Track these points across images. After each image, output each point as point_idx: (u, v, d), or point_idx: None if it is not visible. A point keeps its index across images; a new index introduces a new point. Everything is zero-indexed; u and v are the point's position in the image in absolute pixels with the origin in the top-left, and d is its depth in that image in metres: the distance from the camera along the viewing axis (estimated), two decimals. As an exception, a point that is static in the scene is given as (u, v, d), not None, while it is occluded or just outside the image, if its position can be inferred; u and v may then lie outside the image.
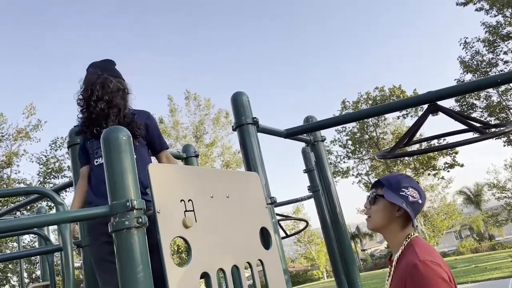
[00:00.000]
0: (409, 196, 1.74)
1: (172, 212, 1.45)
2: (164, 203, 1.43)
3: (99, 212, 1.32)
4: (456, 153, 29.25)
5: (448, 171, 30.59)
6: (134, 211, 1.29)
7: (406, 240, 1.74)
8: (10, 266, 19.95)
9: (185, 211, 1.50)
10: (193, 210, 1.53)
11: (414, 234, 1.77)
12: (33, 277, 19.53)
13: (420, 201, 1.77)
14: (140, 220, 1.29)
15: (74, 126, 2.56)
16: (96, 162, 2.37)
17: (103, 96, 2.36)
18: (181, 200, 1.51)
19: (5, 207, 16.65)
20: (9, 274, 20.65)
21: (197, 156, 3.45)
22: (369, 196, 1.89)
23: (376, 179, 1.92)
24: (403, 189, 1.76)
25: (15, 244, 18.45)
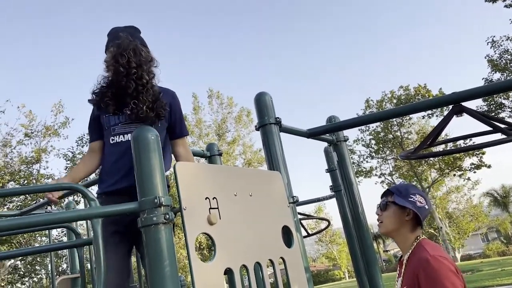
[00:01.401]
0: (417, 201, 1.94)
1: (197, 209, 1.49)
2: (190, 200, 1.48)
3: (128, 208, 1.38)
4: (483, 153, 28.52)
5: (475, 172, 29.83)
6: (162, 207, 1.35)
7: (416, 241, 1.93)
8: (38, 259, 20.57)
9: (210, 208, 1.54)
10: (218, 208, 1.58)
11: (422, 236, 1.97)
12: (60, 270, 20.08)
13: (426, 207, 1.97)
14: (167, 216, 1.35)
15: (89, 100, 2.27)
16: (112, 140, 2.15)
17: (134, 64, 2.11)
18: (206, 198, 1.56)
19: (34, 202, 17.17)
20: (37, 267, 21.27)
21: (220, 154, 3.50)
22: (380, 203, 2.09)
23: (386, 189, 2.14)
24: (411, 195, 1.96)
25: (44, 238, 19.01)
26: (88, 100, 2.26)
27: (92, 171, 2.32)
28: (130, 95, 2.11)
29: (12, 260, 18.98)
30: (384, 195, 2.10)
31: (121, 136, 2.15)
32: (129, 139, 1.96)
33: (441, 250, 1.86)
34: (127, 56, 2.11)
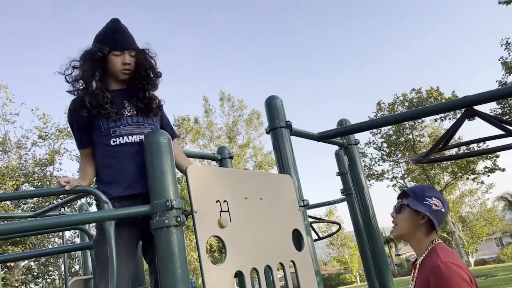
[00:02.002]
0: (433, 205, 1.88)
1: (208, 212, 1.51)
2: (201, 203, 1.49)
3: (141, 210, 1.40)
4: (497, 157, 28.11)
5: (488, 176, 29.40)
6: (173, 210, 1.37)
7: (430, 246, 1.88)
8: (51, 260, 20.80)
9: (220, 211, 1.56)
10: (228, 211, 1.59)
11: (437, 240, 1.91)
12: (72, 271, 20.29)
13: (443, 210, 1.90)
14: (179, 219, 1.37)
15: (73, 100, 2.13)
16: (114, 142, 2.04)
17: (146, 67, 2.15)
18: (217, 201, 1.57)
19: (48, 203, 17.39)
20: (50, 268, 21.51)
21: (231, 157, 3.52)
22: (395, 205, 2.04)
23: (402, 190, 2.08)
24: (426, 198, 1.90)
25: (57, 239, 19.23)
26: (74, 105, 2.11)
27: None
28: (142, 93, 2.13)
29: (26, 261, 19.22)
30: (399, 196, 2.05)
31: (125, 137, 2.05)
32: (135, 140, 2.01)
33: (455, 257, 1.81)
34: (154, 62, 2.20)
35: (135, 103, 2.14)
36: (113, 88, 2.16)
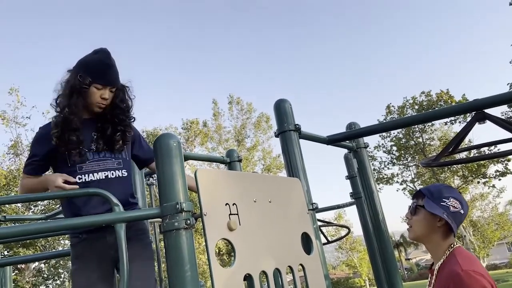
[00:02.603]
0: (450, 206, 1.75)
1: (217, 214, 1.51)
2: (210, 206, 1.50)
3: (151, 213, 1.41)
4: (509, 160, 27.78)
5: (500, 179, 29.06)
6: (183, 213, 1.38)
7: (449, 250, 1.75)
8: (61, 262, 20.96)
9: (229, 214, 1.56)
10: (237, 214, 1.59)
11: (456, 244, 1.77)
12: (82, 273, 20.38)
13: (462, 212, 1.76)
14: (189, 221, 1.37)
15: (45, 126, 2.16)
16: (80, 179, 2.06)
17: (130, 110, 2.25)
18: (226, 204, 1.58)
19: (58, 205, 17.52)
20: (60, 270, 21.68)
21: (240, 160, 3.52)
22: (410, 206, 1.92)
23: (418, 189, 1.93)
24: (444, 199, 1.76)
25: (67, 242, 19.38)
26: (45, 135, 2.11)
27: None
28: (107, 127, 2.15)
29: (37, 263, 19.40)
30: (415, 196, 1.91)
31: (91, 174, 2.07)
32: (100, 177, 2.06)
33: (476, 263, 1.67)
34: (130, 100, 2.23)
35: (100, 138, 2.14)
36: (84, 117, 2.14)
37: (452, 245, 1.76)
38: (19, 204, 18.16)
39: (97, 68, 2.10)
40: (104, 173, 2.08)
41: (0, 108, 20.23)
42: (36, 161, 2.12)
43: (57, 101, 2.12)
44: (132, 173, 2.34)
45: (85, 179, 2.05)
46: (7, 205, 17.09)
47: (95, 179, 2.06)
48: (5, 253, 17.53)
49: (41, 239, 17.15)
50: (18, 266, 18.54)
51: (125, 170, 2.17)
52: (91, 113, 2.18)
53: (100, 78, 2.09)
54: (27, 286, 18.91)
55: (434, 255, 1.81)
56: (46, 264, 21.00)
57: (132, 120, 2.26)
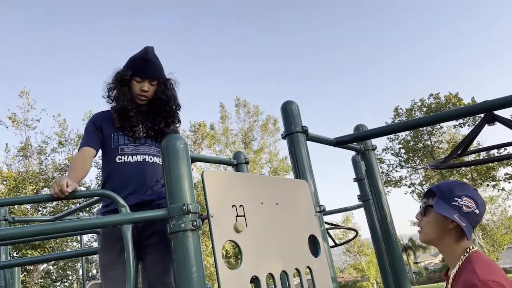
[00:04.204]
0: (463, 206, 1.58)
1: (224, 216, 1.51)
2: (217, 208, 1.49)
3: (158, 214, 1.41)
4: (519, 163, 27.48)
5: (509, 182, 28.77)
6: (190, 214, 1.37)
7: (464, 255, 1.59)
8: (69, 264, 21.08)
9: (236, 216, 1.56)
10: (244, 215, 1.59)
11: (473, 248, 1.60)
12: (90, 275, 20.50)
13: (477, 211, 1.59)
14: (195, 223, 1.37)
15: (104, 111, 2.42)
16: (120, 159, 2.27)
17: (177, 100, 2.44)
18: (233, 205, 1.57)
19: (66, 207, 17.65)
20: (68, 272, 21.80)
21: (247, 162, 3.52)
22: (420, 206, 1.78)
23: (428, 188, 1.77)
24: (455, 198, 1.60)
25: (75, 243, 19.49)
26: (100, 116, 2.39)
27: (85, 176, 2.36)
28: (160, 118, 2.36)
29: (45, 265, 19.52)
30: (425, 196, 1.74)
31: (129, 156, 2.27)
32: (138, 160, 2.24)
33: (495, 271, 1.50)
34: (176, 93, 2.43)
35: (148, 126, 2.34)
36: (136, 108, 2.35)
37: (468, 249, 1.60)
38: (28, 206, 18.30)
39: (136, 63, 2.34)
40: (142, 156, 2.28)
41: (10, 110, 20.38)
42: (92, 135, 2.33)
43: (109, 94, 2.39)
44: None
45: (124, 159, 2.25)
46: (16, 207, 17.25)
47: (133, 161, 2.26)
48: (14, 254, 17.68)
49: (50, 240, 17.27)
50: (27, 268, 18.67)
51: (161, 159, 2.26)
52: (140, 105, 2.38)
53: (139, 72, 2.32)
54: (35, 288, 19.03)
55: (449, 260, 1.66)
56: (55, 266, 21.11)
57: (179, 108, 2.46)
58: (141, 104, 2.37)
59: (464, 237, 1.61)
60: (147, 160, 2.28)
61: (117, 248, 2.08)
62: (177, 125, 2.46)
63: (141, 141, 2.32)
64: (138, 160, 2.26)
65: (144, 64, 2.34)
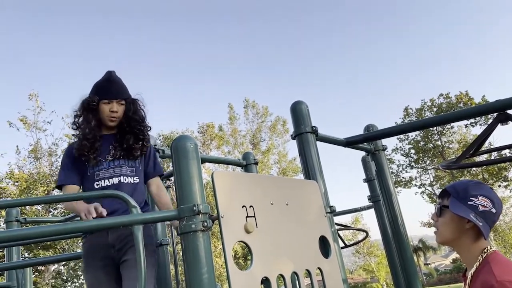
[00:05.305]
0: (479, 205, 1.56)
1: (234, 217, 1.50)
2: (227, 208, 1.49)
3: (168, 215, 1.41)
4: (531, 163, 27.12)
5: (522, 183, 28.41)
6: (200, 215, 1.37)
7: (482, 256, 1.56)
8: (80, 264, 21.23)
9: (246, 217, 1.55)
10: (254, 216, 1.58)
11: (491, 248, 1.58)
12: (100, 276, 20.61)
13: (493, 210, 1.57)
14: (206, 224, 1.37)
15: (71, 144, 2.47)
16: (97, 185, 2.29)
17: (144, 120, 2.44)
18: (243, 206, 1.57)
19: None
20: (79, 272, 21.96)
21: (256, 163, 3.52)
22: (435, 206, 1.77)
23: (443, 188, 1.75)
24: (471, 198, 1.58)
25: (85, 244, 19.59)
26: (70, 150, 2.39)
27: None
28: (127, 138, 2.36)
29: (56, 265, 19.69)
30: (440, 196, 1.72)
31: (106, 180, 2.29)
32: (114, 182, 2.28)
33: None
34: (143, 113, 2.43)
35: (118, 147, 2.36)
36: (104, 133, 2.41)
37: (486, 250, 1.57)
38: (39, 207, 18.48)
39: (102, 86, 2.41)
40: (118, 179, 2.30)
41: (21, 113, 20.62)
42: (67, 170, 2.37)
43: (74, 121, 2.41)
44: (143, 183, 2.42)
45: (101, 184, 2.28)
46: (27, 208, 17.43)
47: (110, 184, 2.28)
48: (26, 255, 17.86)
49: (61, 241, 17.42)
50: (38, 268, 18.85)
51: (137, 177, 2.37)
52: (110, 129, 2.43)
53: (106, 94, 2.37)
54: (46, 288, 19.21)
55: (466, 261, 1.63)
56: (66, 267, 21.29)
57: (149, 129, 2.48)
58: (111, 127, 2.41)
59: (481, 237, 1.58)
60: (122, 181, 2.30)
61: (100, 266, 2.19)
62: (146, 144, 2.43)
63: (114, 163, 2.33)
64: (114, 182, 2.29)
65: (109, 86, 2.40)
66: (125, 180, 2.31)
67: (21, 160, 20.37)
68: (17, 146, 20.60)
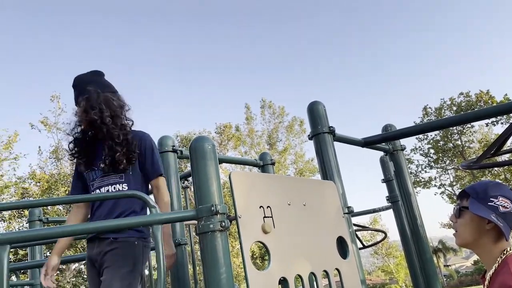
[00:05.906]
0: (499, 206, 1.53)
1: (252, 217, 1.51)
2: (245, 209, 1.50)
3: (187, 215, 1.42)
4: (556, 163, 26.37)
5: (545, 184, 27.71)
6: (218, 215, 1.38)
7: (501, 257, 1.54)
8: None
9: (264, 217, 1.55)
10: (272, 217, 1.59)
11: (511, 249, 1.55)
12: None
13: None
14: (223, 224, 1.38)
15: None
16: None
17: (109, 116, 2.21)
18: (260, 206, 1.57)
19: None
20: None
21: (273, 164, 3.52)
22: (454, 208, 1.74)
23: (461, 189, 1.74)
24: (491, 198, 1.55)
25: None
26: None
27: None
28: (106, 146, 2.22)
29: (77, 264, 20.03)
30: (459, 197, 1.70)
31: (98, 190, 2.26)
32: (104, 191, 2.22)
33: None
34: (99, 108, 2.20)
35: (104, 158, 2.24)
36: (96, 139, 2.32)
37: (506, 251, 1.54)
38: (60, 207, 18.83)
39: None
40: (107, 188, 2.24)
41: (43, 114, 21.05)
42: (73, 183, 2.44)
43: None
44: (140, 186, 2.25)
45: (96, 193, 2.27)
46: (49, 207, 17.77)
47: (101, 193, 2.25)
48: (48, 254, 18.20)
49: (82, 240, 17.71)
50: (59, 267, 19.22)
51: (125, 184, 2.24)
52: (93, 137, 2.33)
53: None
54: (67, 286, 19.56)
55: (486, 262, 1.61)
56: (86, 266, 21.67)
57: (129, 124, 2.33)
58: (91, 135, 2.30)
59: (501, 238, 1.56)
60: (110, 190, 2.21)
61: (90, 276, 2.27)
62: (130, 153, 2.22)
63: (104, 171, 2.24)
64: (104, 191, 2.24)
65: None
66: (114, 188, 2.22)
67: (43, 161, 20.80)
68: (39, 147, 21.06)
